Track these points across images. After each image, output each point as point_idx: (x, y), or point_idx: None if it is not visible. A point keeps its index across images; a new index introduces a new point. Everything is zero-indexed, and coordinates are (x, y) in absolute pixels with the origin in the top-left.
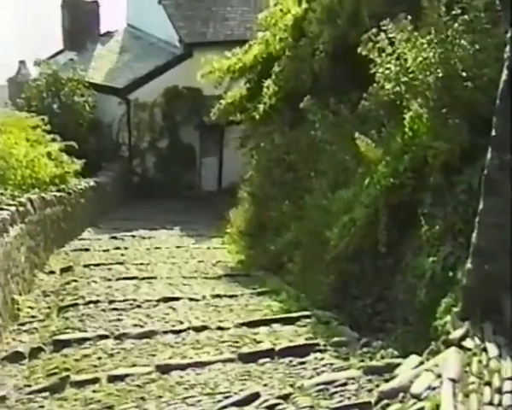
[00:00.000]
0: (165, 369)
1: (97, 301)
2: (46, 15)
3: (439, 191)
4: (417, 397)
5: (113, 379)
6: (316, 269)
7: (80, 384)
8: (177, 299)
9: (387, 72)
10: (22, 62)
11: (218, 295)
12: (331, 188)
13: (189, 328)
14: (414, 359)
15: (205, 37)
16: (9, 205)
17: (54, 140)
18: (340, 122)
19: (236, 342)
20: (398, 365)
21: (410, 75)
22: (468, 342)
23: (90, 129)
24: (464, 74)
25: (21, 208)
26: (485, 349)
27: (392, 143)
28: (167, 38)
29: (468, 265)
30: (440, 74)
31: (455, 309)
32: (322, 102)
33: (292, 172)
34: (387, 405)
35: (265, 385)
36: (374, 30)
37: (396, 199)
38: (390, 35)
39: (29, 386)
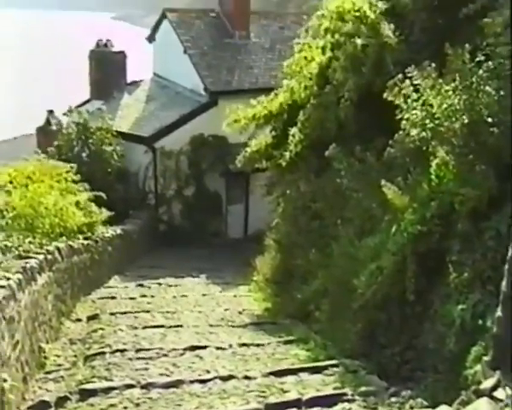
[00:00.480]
0: None
1: (124, 350)
2: (73, 66)
3: (467, 238)
4: None
5: None
6: (343, 317)
7: None
8: (203, 348)
9: (413, 118)
10: (51, 112)
11: (244, 344)
12: (358, 235)
13: (215, 377)
14: (444, 409)
15: (230, 85)
16: (38, 253)
17: (82, 189)
18: (365, 169)
19: (263, 391)
20: None
21: (436, 122)
22: (499, 393)
23: (118, 177)
24: (490, 120)
25: (49, 257)
26: None
27: (419, 190)
28: (193, 86)
29: (498, 313)
30: (466, 121)
31: (485, 358)
32: (348, 149)
33: (318, 220)
34: None
35: None
36: (399, 76)
37: (423, 246)
38: (415, 82)
39: None
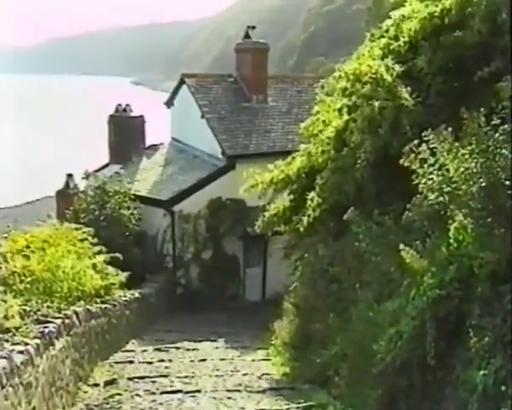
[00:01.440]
0: None
1: None
2: (94, 129)
3: (487, 302)
4: None
5: None
6: (363, 383)
7: None
8: None
9: (430, 182)
10: (70, 176)
11: None
12: (376, 299)
13: None
14: None
15: (247, 149)
16: (56, 318)
17: (100, 252)
18: (384, 233)
19: None
20: None
21: (453, 185)
22: None
23: (136, 240)
24: (507, 183)
25: (67, 321)
26: None
27: (438, 254)
28: (211, 150)
29: None
30: (483, 184)
31: None
32: (366, 213)
33: (336, 284)
34: None
35: None
36: (415, 141)
37: (443, 310)
38: (431, 145)
39: None
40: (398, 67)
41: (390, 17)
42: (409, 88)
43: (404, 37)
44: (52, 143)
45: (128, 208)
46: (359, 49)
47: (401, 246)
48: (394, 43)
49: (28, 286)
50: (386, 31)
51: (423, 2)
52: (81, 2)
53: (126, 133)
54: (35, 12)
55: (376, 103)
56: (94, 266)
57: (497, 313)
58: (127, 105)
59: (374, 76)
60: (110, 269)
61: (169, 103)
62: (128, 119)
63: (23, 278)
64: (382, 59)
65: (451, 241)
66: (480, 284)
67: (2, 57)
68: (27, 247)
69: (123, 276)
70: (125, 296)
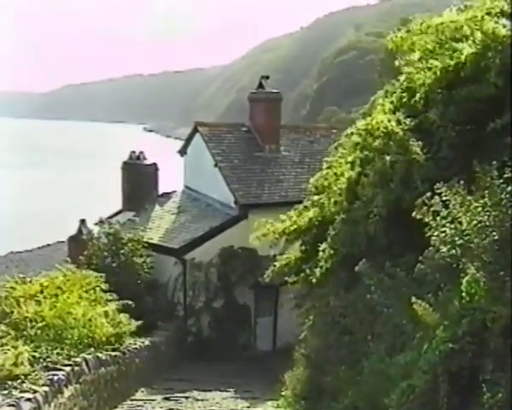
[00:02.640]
0: None
1: None
2: (108, 176)
3: (500, 357)
4: None
5: None
6: None
7: None
8: None
9: (443, 235)
10: (83, 221)
11: None
12: (388, 352)
13: None
14: None
15: (260, 198)
16: (65, 365)
17: (111, 300)
18: (396, 285)
19: None
20: None
21: (466, 238)
22: None
23: (147, 288)
24: None
25: (76, 368)
26: None
27: (450, 307)
28: (223, 199)
29: None
30: (496, 237)
31: None
32: (378, 264)
33: (348, 336)
34: None
35: None
36: (428, 194)
37: (456, 365)
38: (444, 198)
39: None
40: (409, 121)
41: (402, 70)
42: (420, 142)
43: (416, 90)
44: (65, 188)
45: (141, 256)
46: (372, 101)
47: (413, 299)
48: (406, 97)
49: (39, 332)
50: (399, 84)
51: (437, 54)
52: (97, 51)
53: (139, 181)
54: (52, 57)
55: (388, 158)
56: (105, 314)
57: (510, 368)
58: (141, 153)
59: (385, 130)
60: (121, 317)
61: (182, 152)
62: (141, 166)
63: (34, 323)
64: (394, 113)
65: (464, 294)
66: (492, 338)
67: (18, 102)
68: (41, 292)
69: (134, 324)
70: (136, 344)
